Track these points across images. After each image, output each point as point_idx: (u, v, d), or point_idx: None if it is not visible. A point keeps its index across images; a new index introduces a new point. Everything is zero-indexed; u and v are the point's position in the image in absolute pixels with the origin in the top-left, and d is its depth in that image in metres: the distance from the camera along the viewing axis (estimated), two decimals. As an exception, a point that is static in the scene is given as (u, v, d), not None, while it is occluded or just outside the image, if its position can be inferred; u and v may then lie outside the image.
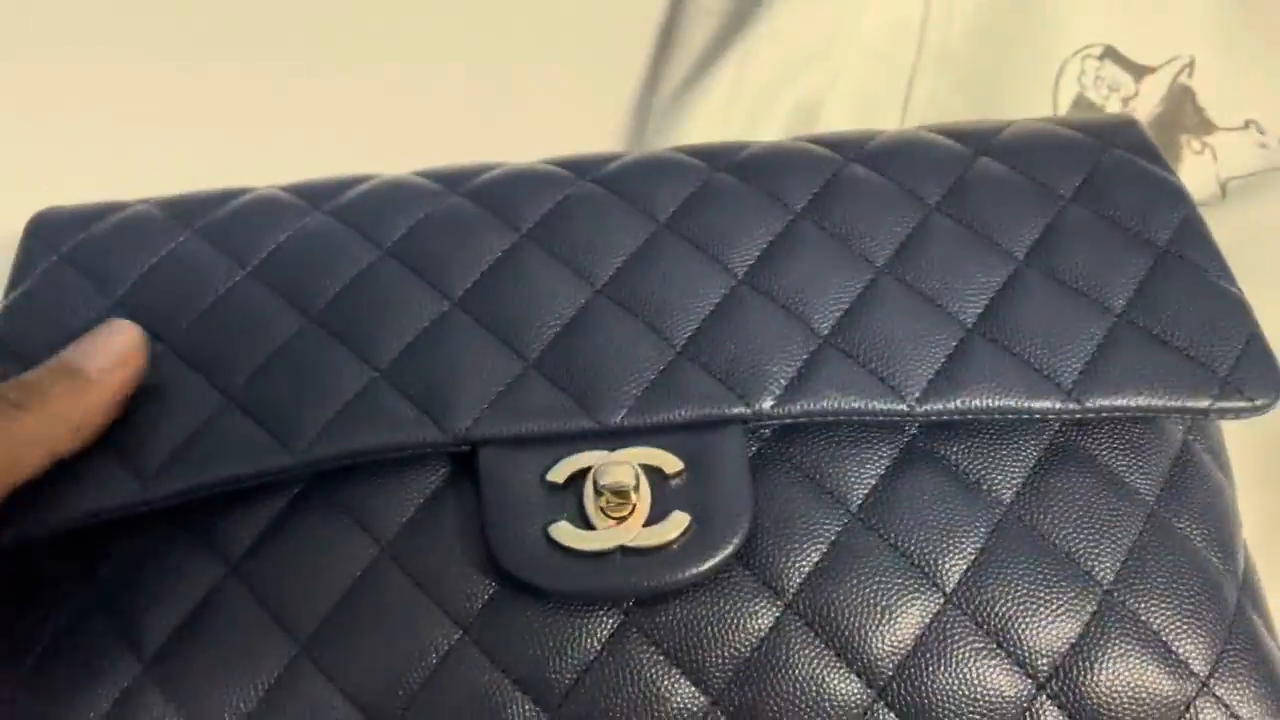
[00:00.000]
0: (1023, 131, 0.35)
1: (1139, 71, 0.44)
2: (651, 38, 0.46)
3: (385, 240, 0.32)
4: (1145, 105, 0.44)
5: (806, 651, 0.27)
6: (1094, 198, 0.33)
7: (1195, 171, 0.42)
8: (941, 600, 0.27)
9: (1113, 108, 0.44)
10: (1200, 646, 0.28)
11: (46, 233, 0.34)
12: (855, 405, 0.29)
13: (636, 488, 0.27)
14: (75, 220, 0.34)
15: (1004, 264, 0.31)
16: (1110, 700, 0.27)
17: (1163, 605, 0.28)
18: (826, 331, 0.30)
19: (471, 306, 0.30)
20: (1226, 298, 0.31)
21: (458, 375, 0.29)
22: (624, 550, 0.27)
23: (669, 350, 0.29)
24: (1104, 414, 0.29)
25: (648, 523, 0.27)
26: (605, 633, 0.27)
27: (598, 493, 0.27)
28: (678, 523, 0.27)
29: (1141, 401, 0.29)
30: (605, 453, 0.28)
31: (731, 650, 0.27)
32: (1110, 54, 0.44)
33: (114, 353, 0.28)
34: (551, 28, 0.44)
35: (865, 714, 0.27)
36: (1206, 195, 0.41)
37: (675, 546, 0.27)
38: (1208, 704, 0.27)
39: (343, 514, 0.28)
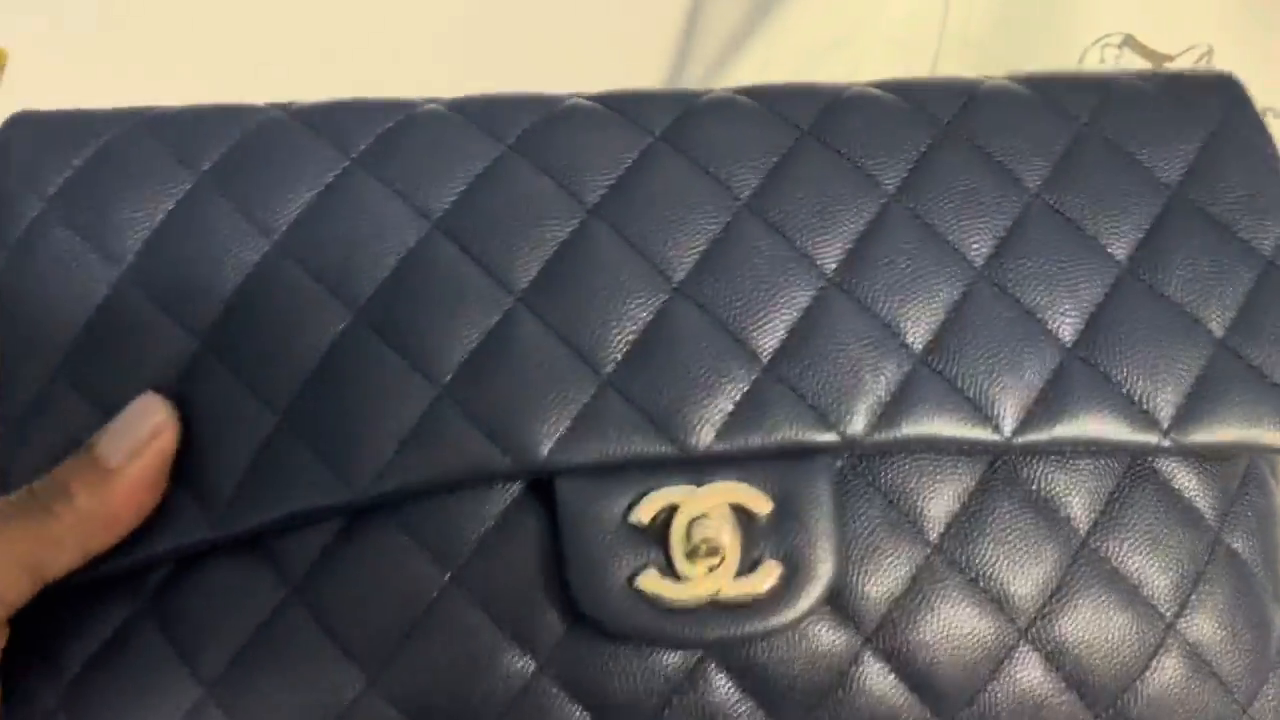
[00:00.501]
0: (1123, 94, 0.32)
1: (1158, 60, 0.44)
2: (676, 26, 0.44)
3: (434, 210, 0.28)
4: None
5: (884, 688, 0.27)
6: (1201, 188, 0.30)
7: None
8: (1016, 636, 0.27)
9: None
10: (1246, 683, 0.28)
11: (24, 158, 0.29)
12: (949, 435, 0.27)
13: (727, 537, 0.26)
14: (57, 139, 0.29)
15: (1107, 269, 0.29)
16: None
17: (1219, 637, 0.28)
18: (921, 349, 0.28)
19: (537, 303, 0.27)
20: None
21: (528, 395, 0.26)
22: (714, 602, 0.26)
23: (755, 367, 0.27)
24: (1196, 450, 0.28)
25: (738, 572, 0.26)
26: (686, 667, 0.26)
27: (687, 539, 0.25)
28: (770, 573, 0.26)
29: (1236, 439, 0.28)
30: (692, 488, 0.26)
31: (809, 683, 0.27)
32: (1130, 42, 0.44)
33: (138, 438, 0.25)
34: (578, 14, 0.41)
35: None
36: None
37: (766, 595, 0.26)
38: None
39: (406, 533, 0.26)
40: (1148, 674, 0.28)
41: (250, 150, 0.29)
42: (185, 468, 0.26)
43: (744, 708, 0.27)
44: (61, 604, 0.26)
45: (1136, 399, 0.28)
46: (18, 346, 0.27)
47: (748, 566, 0.26)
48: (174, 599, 0.27)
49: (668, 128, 0.30)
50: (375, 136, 0.29)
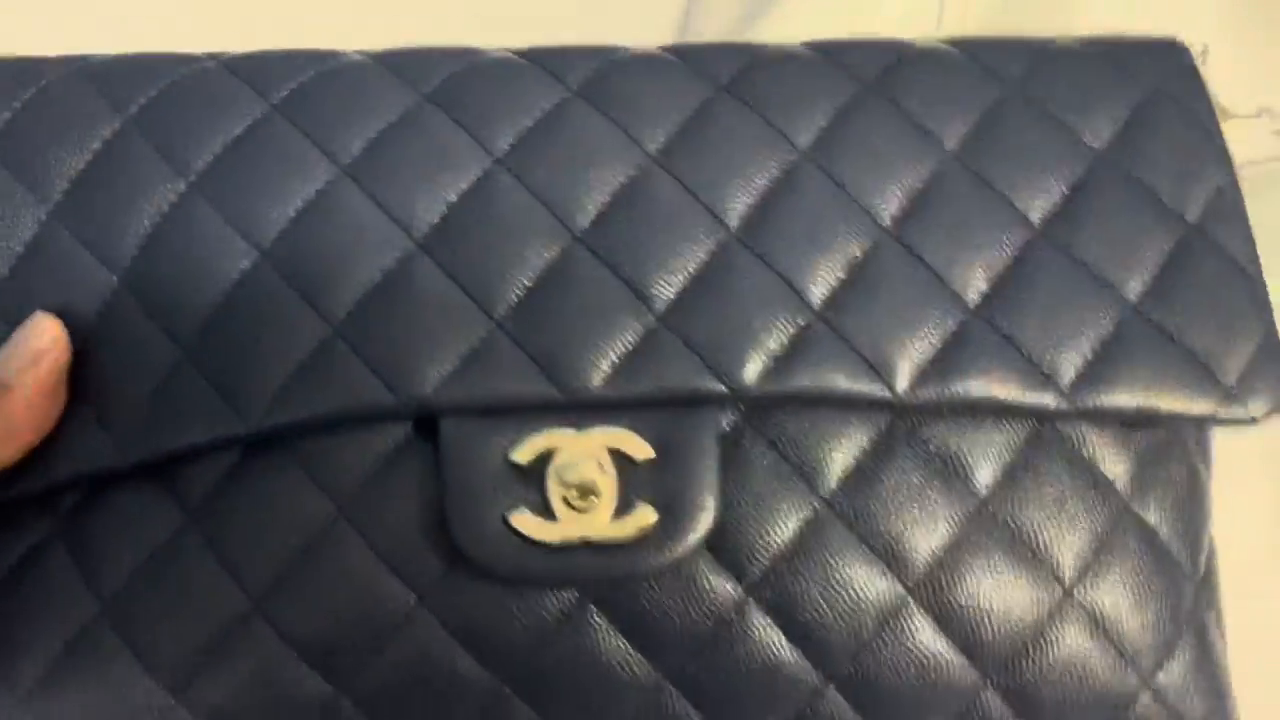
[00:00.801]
0: (1055, 51, 0.31)
1: None
2: (672, 23, 0.45)
3: (343, 154, 0.29)
4: None
5: (764, 635, 0.27)
6: (1129, 150, 0.30)
7: None
8: (905, 594, 0.27)
9: None
10: (1150, 647, 0.28)
11: None
12: (840, 388, 0.27)
13: (602, 480, 0.26)
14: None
15: (1019, 231, 0.29)
16: (1056, 695, 0.28)
17: (1120, 601, 0.28)
18: (819, 304, 0.28)
19: (435, 248, 0.28)
20: (1248, 292, 0.28)
21: (418, 335, 0.27)
22: (586, 543, 0.26)
23: (648, 315, 0.27)
24: (1097, 414, 0.27)
25: (614, 514, 0.26)
26: (563, 607, 0.27)
27: (562, 483, 0.26)
28: (644, 516, 0.26)
29: (1139, 406, 0.28)
30: (573, 433, 0.26)
31: (688, 628, 0.27)
32: None
33: (28, 353, 0.26)
34: (574, 14, 0.41)
35: (816, 696, 0.27)
36: None
37: (640, 539, 0.26)
38: (1150, 698, 0.28)
39: (299, 465, 0.27)
40: (1043, 641, 0.28)
41: (176, 95, 0.30)
42: (94, 397, 0.27)
43: (622, 652, 0.27)
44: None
45: (1037, 360, 0.28)
46: None
47: (623, 509, 0.26)
48: (83, 522, 0.28)
49: (584, 81, 0.30)
50: (296, 85, 0.30)
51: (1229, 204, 0.29)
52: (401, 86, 0.30)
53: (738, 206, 0.28)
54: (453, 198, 0.28)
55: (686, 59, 0.31)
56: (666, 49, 0.32)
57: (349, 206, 0.28)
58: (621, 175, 0.29)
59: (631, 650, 0.27)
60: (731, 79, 0.30)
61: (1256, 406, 0.27)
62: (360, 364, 0.27)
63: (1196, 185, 0.29)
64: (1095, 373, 0.27)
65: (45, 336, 0.27)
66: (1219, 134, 0.30)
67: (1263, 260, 0.29)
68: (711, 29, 0.44)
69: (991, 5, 0.44)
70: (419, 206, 0.28)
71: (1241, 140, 0.39)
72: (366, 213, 0.28)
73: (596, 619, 0.27)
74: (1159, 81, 0.31)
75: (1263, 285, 0.29)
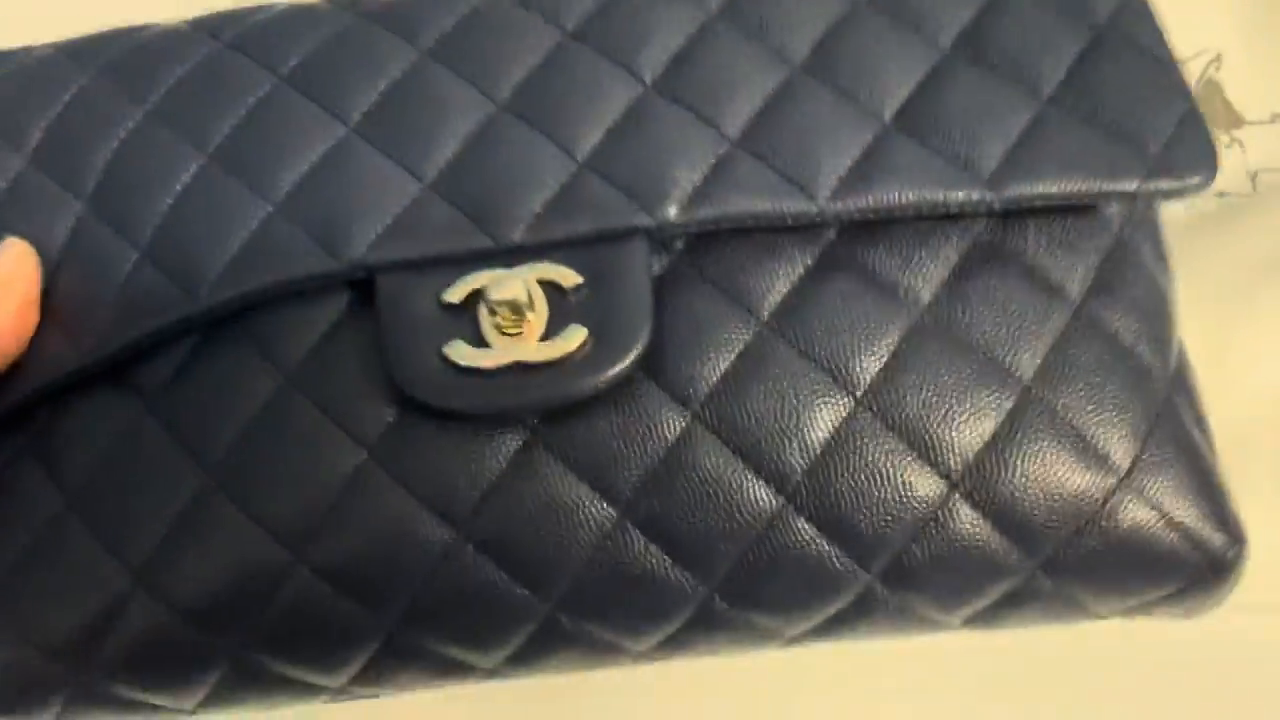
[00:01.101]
0: None
1: None
2: None
3: (281, 67, 0.31)
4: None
5: (714, 458, 0.27)
6: None
7: (1225, 164, 0.42)
8: (852, 403, 0.27)
9: None
10: (1122, 440, 0.27)
11: None
12: (763, 208, 0.28)
13: (531, 305, 0.26)
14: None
15: (928, 53, 0.29)
16: (1025, 497, 0.27)
17: (1084, 399, 0.27)
18: (736, 135, 0.28)
19: (368, 131, 0.29)
20: (1164, 73, 0.29)
21: (353, 203, 0.28)
22: (520, 366, 0.26)
23: (570, 163, 0.28)
24: (1024, 204, 0.27)
25: (544, 337, 0.26)
26: (510, 450, 0.27)
27: (491, 311, 0.26)
28: (574, 336, 0.26)
29: (1064, 188, 0.27)
30: (502, 271, 0.27)
31: (638, 461, 0.27)
32: None
33: (4, 275, 0.28)
34: None
35: (775, 519, 0.27)
36: (1237, 187, 0.41)
37: (573, 361, 0.26)
38: (1127, 496, 0.27)
39: (249, 344, 0.28)
40: (1006, 439, 0.27)
41: (136, 43, 0.32)
42: (59, 315, 0.29)
43: (575, 492, 0.27)
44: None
45: (956, 160, 0.28)
46: None
47: (553, 332, 0.26)
48: (50, 430, 0.29)
49: None
50: (241, 13, 0.32)
51: (1135, 5, 0.30)
52: (402, 46, 0.31)
53: (653, 62, 0.30)
54: (383, 86, 0.30)
55: None
56: None
57: (288, 105, 0.30)
58: (540, 52, 0.30)
59: (585, 490, 0.27)
60: (722, 5, 0.31)
61: (1186, 172, 0.27)
62: (301, 234, 0.28)
63: None
64: (1016, 160, 0.27)
65: (16, 261, 0.29)
66: None
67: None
68: None
69: None
70: (352, 98, 0.30)
71: (1256, 146, 0.41)
72: (304, 108, 0.30)
73: (546, 460, 0.27)
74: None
75: (1178, 70, 0.29)
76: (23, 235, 0.30)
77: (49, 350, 0.29)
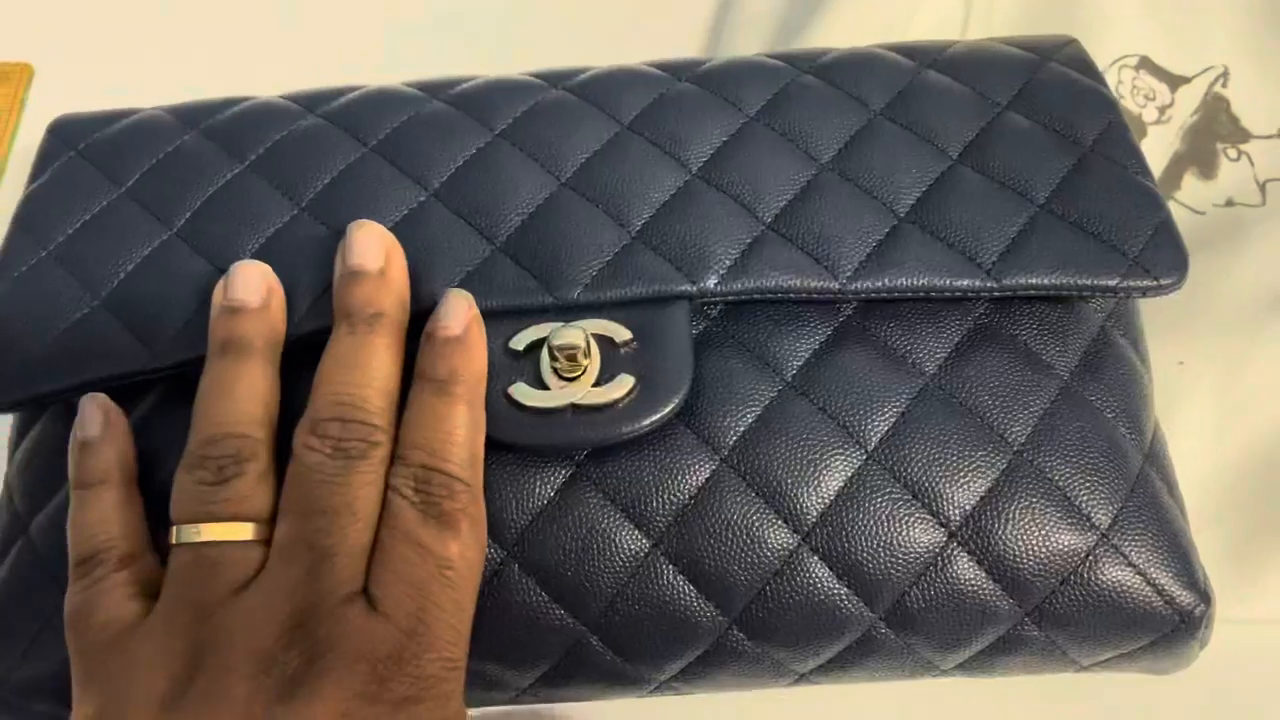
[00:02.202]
0: (967, 48, 0.37)
1: (1174, 81, 0.45)
2: (703, 39, 0.48)
3: (371, 139, 0.35)
4: (1180, 114, 0.44)
5: (739, 501, 0.30)
6: (1028, 104, 0.35)
7: (1234, 175, 0.43)
8: (864, 457, 0.30)
9: (1149, 116, 0.44)
10: (1101, 502, 0.30)
11: (65, 133, 0.37)
12: (792, 283, 0.31)
13: (587, 353, 0.30)
14: (92, 123, 0.37)
15: (939, 161, 0.34)
16: (1016, 549, 0.30)
17: (1068, 465, 0.30)
18: (770, 220, 0.32)
19: (446, 197, 0.33)
20: (1142, 191, 0.33)
21: (431, 256, 0.32)
22: (575, 408, 0.30)
23: (625, 235, 0.32)
24: (1020, 292, 0.31)
25: (596, 384, 0.30)
26: (558, 482, 0.30)
27: (552, 356, 0.30)
28: (624, 384, 0.30)
29: (1055, 280, 0.31)
30: (561, 325, 0.31)
31: (671, 498, 0.30)
32: (1146, 64, 0.45)
33: None
34: (605, 35, 0.46)
35: (792, 556, 0.30)
36: (1247, 197, 0.42)
37: (621, 405, 0.30)
38: (1107, 553, 0.30)
39: None
40: (1000, 496, 0.30)
41: (247, 117, 0.37)
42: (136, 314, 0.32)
43: (613, 520, 0.30)
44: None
45: (961, 249, 0.32)
46: None
47: (605, 379, 0.30)
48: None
49: (563, 76, 0.37)
50: (333, 91, 0.37)
51: (1118, 133, 0.34)
52: (478, 128, 0.35)
53: (699, 154, 0.34)
54: (461, 160, 0.34)
55: (716, 91, 0.36)
56: (693, 80, 0.36)
57: (375, 170, 0.34)
58: (599, 139, 0.34)
59: (622, 521, 0.30)
60: (759, 110, 0.35)
61: (1161, 273, 0.31)
62: None
63: (1089, 121, 0.34)
64: (1013, 255, 0.32)
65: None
66: (1105, 84, 0.36)
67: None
68: (744, 50, 0.45)
69: (1013, 28, 0.46)
70: (434, 168, 0.34)
71: (1264, 160, 0.43)
72: (389, 174, 0.34)
73: (590, 493, 0.30)
74: (1048, 56, 0.37)
75: (1154, 188, 0.33)
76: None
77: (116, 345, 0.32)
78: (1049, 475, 0.30)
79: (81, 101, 0.39)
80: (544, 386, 0.30)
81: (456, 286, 0.31)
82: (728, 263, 0.32)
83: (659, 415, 0.30)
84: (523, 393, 0.30)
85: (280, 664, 0.25)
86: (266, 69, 0.42)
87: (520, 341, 0.31)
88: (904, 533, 0.30)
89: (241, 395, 0.29)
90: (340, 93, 0.37)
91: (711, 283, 0.31)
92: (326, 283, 0.31)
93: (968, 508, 0.30)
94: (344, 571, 0.27)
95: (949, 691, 0.35)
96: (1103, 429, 0.31)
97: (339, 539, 0.27)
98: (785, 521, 0.30)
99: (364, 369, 0.29)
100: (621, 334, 0.31)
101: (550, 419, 0.30)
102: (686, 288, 0.31)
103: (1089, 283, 0.31)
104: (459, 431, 0.28)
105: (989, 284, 0.31)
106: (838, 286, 0.31)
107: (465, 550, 0.27)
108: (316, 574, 0.26)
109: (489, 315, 0.31)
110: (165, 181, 0.35)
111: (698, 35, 0.48)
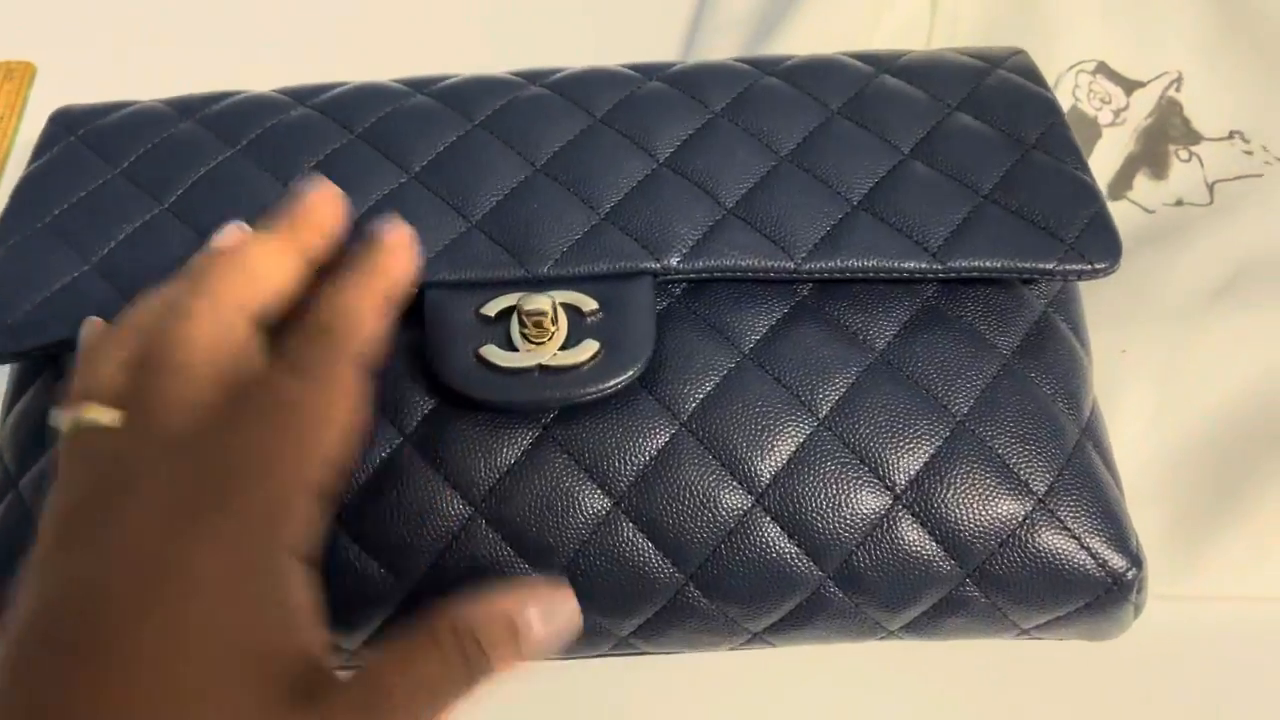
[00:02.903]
0: (922, 56, 0.40)
1: (1129, 86, 0.47)
2: (680, 35, 0.50)
3: (357, 127, 0.37)
4: (1135, 117, 0.46)
5: (696, 464, 0.32)
6: (976, 106, 0.37)
7: (1185, 176, 0.45)
8: (815, 424, 0.32)
9: (1104, 119, 0.46)
10: (1039, 470, 0.32)
11: (66, 121, 0.39)
12: (750, 263, 0.33)
13: (555, 319, 0.32)
14: (91, 112, 0.39)
15: (891, 155, 0.36)
16: (958, 512, 0.31)
17: (1009, 435, 0.32)
18: (731, 204, 0.34)
19: (426, 179, 0.35)
20: (1080, 184, 0.35)
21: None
22: (542, 368, 0.31)
23: (594, 215, 0.34)
24: (964, 274, 0.33)
25: (563, 348, 0.32)
26: (525, 442, 0.32)
27: (521, 321, 0.32)
28: (588, 348, 0.32)
29: (997, 263, 0.33)
30: (531, 293, 0.33)
31: (633, 460, 0.32)
32: (1103, 69, 0.47)
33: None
34: (584, 32, 0.49)
35: (746, 516, 0.31)
36: (1195, 197, 0.44)
37: (586, 368, 0.31)
38: (1043, 517, 0.32)
39: None
40: (942, 462, 0.32)
41: (240, 107, 0.39)
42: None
43: (577, 480, 0.31)
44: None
45: (911, 236, 0.34)
46: None
47: (572, 344, 0.32)
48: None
49: (544, 74, 0.39)
50: (322, 86, 0.39)
51: (1059, 132, 0.37)
52: (459, 118, 0.37)
53: (665, 145, 0.36)
54: (440, 147, 0.36)
55: (684, 90, 0.38)
56: (663, 80, 0.39)
57: (358, 154, 0.36)
58: (573, 130, 0.36)
59: (585, 480, 0.31)
60: (724, 107, 0.37)
61: (1095, 258, 0.33)
62: None
63: (1032, 121, 0.37)
64: (958, 239, 0.34)
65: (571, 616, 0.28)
66: (1049, 90, 0.38)
67: (1240, 271, 0.36)
68: (715, 54, 0.47)
69: (977, 34, 0.48)
70: (415, 153, 0.36)
71: (1213, 162, 0.44)
72: (372, 157, 0.36)
73: (555, 453, 0.32)
74: (997, 65, 0.39)
75: (1091, 182, 0.35)
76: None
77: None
78: (989, 444, 0.32)
79: (83, 99, 0.41)
80: (513, 349, 0.32)
81: (433, 257, 0.33)
82: (690, 242, 0.34)
83: (622, 378, 0.31)
84: (493, 354, 0.31)
85: None
86: (263, 68, 0.44)
87: (492, 308, 0.32)
88: (852, 495, 0.31)
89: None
90: (329, 87, 0.39)
91: (675, 260, 0.33)
92: None
93: (912, 472, 0.32)
94: None
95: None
96: (1041, 403, 0.33)
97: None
98: (740, 483, 0.31)
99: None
100: (588, 304, 0.32)
101: (519, 379, 0.31)
102: (651, 264, 0.33)
103: (1028, 265, 0.33)
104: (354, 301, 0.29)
105: (935, 266, 0.33)
106: (793, 266, 0.33)
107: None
108: None
109: (464, 286, 0.33)
110: (159, 163, 0.37)
111: (672, 41, 0.51)
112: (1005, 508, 0.32)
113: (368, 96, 0.38)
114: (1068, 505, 0.32)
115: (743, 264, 0.33)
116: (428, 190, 0.35)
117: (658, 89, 0.38)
